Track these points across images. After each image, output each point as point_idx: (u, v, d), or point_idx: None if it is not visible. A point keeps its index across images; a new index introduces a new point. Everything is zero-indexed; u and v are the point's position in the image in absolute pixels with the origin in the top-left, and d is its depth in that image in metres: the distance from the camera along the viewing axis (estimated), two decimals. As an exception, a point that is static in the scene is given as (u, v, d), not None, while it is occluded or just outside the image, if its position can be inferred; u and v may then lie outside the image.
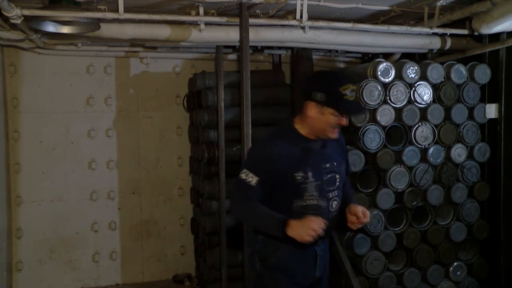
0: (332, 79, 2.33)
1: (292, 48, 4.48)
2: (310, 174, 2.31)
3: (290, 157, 2.30)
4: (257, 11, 3.81)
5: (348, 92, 2.24)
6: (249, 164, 2.35)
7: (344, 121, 2.30)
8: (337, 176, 2.41)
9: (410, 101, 3.80)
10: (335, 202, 2.40)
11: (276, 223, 2.21)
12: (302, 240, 2.13)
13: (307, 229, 2.11)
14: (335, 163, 2.41)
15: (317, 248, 2.42)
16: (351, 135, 3.75)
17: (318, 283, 2.50)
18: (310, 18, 3.67)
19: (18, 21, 3.19)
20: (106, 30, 3.63)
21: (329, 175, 2.37)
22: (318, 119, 2.29)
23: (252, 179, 2.28)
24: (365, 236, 3.73)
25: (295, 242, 2.23)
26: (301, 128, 2.36)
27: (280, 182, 2.30)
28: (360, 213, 2.33)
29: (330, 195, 2.38)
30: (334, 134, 2.35)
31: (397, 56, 4.62)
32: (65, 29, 3.48)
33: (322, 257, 2.47)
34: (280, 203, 2.31)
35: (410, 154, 3.80)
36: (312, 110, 2.28)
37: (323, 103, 2.25)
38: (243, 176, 2.30)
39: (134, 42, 4.39)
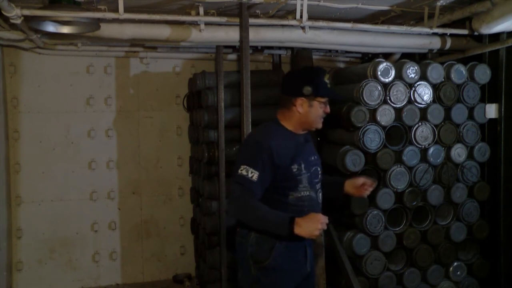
0: (314, 73, 2.51)
1: (292, 48, 4.48)
2: (303, 166, 2.41)
3: (285, 150, 2.37)
4: (257, 11, 3.81)
5: (328, 80, 2.49)
6: (248, 159, 2.32)
7: (328, 109, 2.49)
8: (319, 169, 2.57)
9: (410, 101, 3.80)
10: (321, 194, 2.55)
11: (281, 223, 2.21)
12: (311, 236, 2.19)
13: (316, 223, 2.17)
14: (315, 157, 2.57)
15: (306, 243, 2.47)
16: (351, 135, 3.76)
17: (308, 278, 2.57)
18: (310, 18, 3.67)
19: (18, 21, 3.19)
20: (106, 30, 3.64)
21: (313, 167, 2.50)
22: (309, 112, 2.44)
23: (254, 174, 2.27)
24: (365, 236, 3.73)
25: (288, 240, 2.32)
26: (288, 124, 2.48)
27: (278, 174, 2.35)
28: (363, 183, 2.57)
29: (317, 186, 2.51)
30: (321, 124, 2.51)
31: (397, 56, 4.62)
32: (65, 29, 3.48)
33: (311, 251, 2.55)
34: (276, 195, 2.36)
35: (410, 154, 3.79)
36: (303, 105, 2.43)
37: (312, 96, 2.42)
38: (243, 172, 2.27)
39: (134, 42, 4.39)
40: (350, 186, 2.64)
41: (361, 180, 2.60)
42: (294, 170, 2.37)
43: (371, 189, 2.59)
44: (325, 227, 2.21)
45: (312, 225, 2.16)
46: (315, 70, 2.57)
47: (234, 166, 2.36)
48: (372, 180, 2.61)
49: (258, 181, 2.27)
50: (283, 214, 2.26)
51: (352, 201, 3.63)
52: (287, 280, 2.43)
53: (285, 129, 2.47)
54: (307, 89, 2.40)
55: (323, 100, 2.45)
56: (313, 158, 2.52)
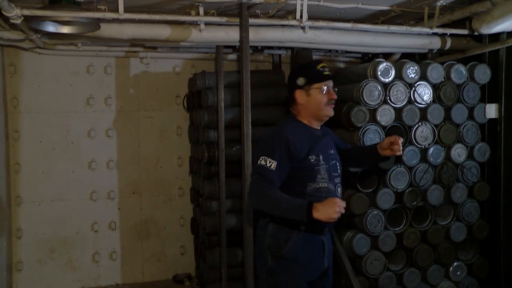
0: (307, 64, 2.68)
1: (292, 48, 4.47)
2: (321, 157, 2.47)
3: (303, 141, 2.46)
4: (257, 11, 3.81)
5: (323, 67, 2.54)
6: (266, 150, 2.42)
7: (334, 94, 2.52)
8: (338, 164, 2.61)
9: (410, 101, 3.80)
10: (339, 188, 2.59)
11: (300, 208, 2.27)
12: (329, 219, 2.22)
13: (334, 207, 2.21)
14: (334, 151, 2.61)
15: (323, 237, 2.52)
16: (351, 135, 3.75)
17: (325, 274, 2.58)
18: (310, 18, 3.68)
19: (18, 21, 3.19)
20: (106, 30, 3.64)
21: (333, 161, 2.56)
22: (309, 102, 2.51)
23: (272, 163, 2.36)
24: (365, 236, 3.73)
25: (304, 230, 2.41)
26: (304, 120, 2.56)
27: (297, 165, 2.42)
28: (390, 141, 2.66)
29: (336, 180, 2.55)
30: (332, 111, 2.56)
31: (397, 56, 4.62)
32: (65, 29, 3.48)
33: (328, 247, 2.57)
34: (295, 187, 2.42)
35: (410, 154, 3.79)
36: (301, 96, 2.52)
37: (306, 85, 2.50)
38: (262, 162, 2.38)
39: (134, 42, 4.39)
40: (380, 149, 2.73)
41: (386, 141, 2.70)
42: (312, 160, 2.44)
43: (399, 144, 2.65)
44: (343, 211, 2.25)
45: (330, 209, 2.21)
46: (307, 62, 2.70)
47: (253, 159, 2.51)
48: (396, 136, 2.68)
49: (276, 170, 2.36)
50: (301, 200, 2.32)
51: (352, 201, 3.63)
52: (302, 272, 2.46)
53: (300, 122, 2.56)
54: (301, 80, 2.52)
55: (319, 86, 2.50)
56: (332, 152, 2.59)
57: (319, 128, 2.61)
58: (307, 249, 2.46)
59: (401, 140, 2.67)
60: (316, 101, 2.51)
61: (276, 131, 2.52)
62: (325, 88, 2.50)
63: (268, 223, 2.50)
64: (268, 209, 2.44)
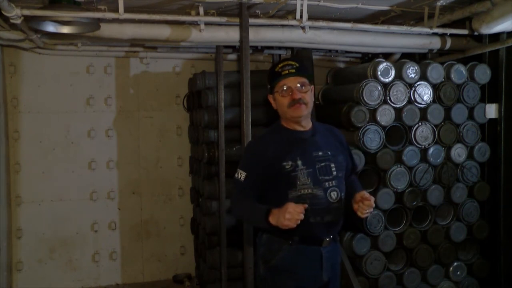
0: (270, 67, 2.51)
1: (292, 48, 4.47)
2: (299, 162, 2.32)
3: (277, 148, 2.35)
4: (257, 11, 3.81)
5: (282, 67, 2.35)
6: (241, 163, 2.43)
7: (296, 93, 2.32)
8: (332, 165, 2.38)
9: (410, 101, 3.80)
10: (334, 192, 2.35)
11: (261, 214, 2.22)
12: (282, 226, 2.12)
13: (284, 213, 2.10)
14: (328, 152, 2.40)
15: (322, 249, 2.37)
16: (351, 135, 3.76)
17: None
18: (310, 18, 3.67)
19: (18, 21, 3.19)
20: (106, 30, 3.64)
21: (322, 164, 2.36)
22: (278, 106, 2.42)
23: (242, 175, 2.36)
24: (365, 236, 3.73)
25: (298, 242, 2.32)
26: (285, 123, 2.45)
27: (273, 173, 2.33)
28: (361, 196, 2.27)
29: (327, 184, 2.34)
30: (298, 111, 2.34)
31: (397, 56, 4.62)
32: (65, 29, 3.48)
33: (329, 259, 2.40)
34: (277, 196, 2.32)
35: (410, 154, 3.80)
36: (272, 102, 2.46)
37: (270, 89, 2.42)
38: (236, 175, 2.39)
39: (134, 42, 4.39)
40: (354, 198, 2.35)
41: (358, 195, 2.30)
42: (287, 167, 2.31)
43: (365, 207, 2.25)
44: (298, 217, 2.09)
45: (280, 215, 2.11)
46: (273, 65, 2.56)
47: None
48: (368, 195, 2.29)
49: (246, 181, 2.34)
50: (263, 206, 2.24)
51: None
52: (293, 284, 2.37)
53: (283, 128, 2.44)
54: (267, 86, 2.45)
55: (278, 89, 2.34)
56: (320, 153, 2.37)
57: (306, 129, 2.41)
58: (301, 260, 2.36)
59: (372, 203, 2.26)
60: (280, 105, 2.37)
61: (251, 141, 2.54)
62: (284, 88, 2.32)
63: (263, 233, 2.45)
64: (243, 218, 2.50)
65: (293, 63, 2.36)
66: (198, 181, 4.57)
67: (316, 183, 2.32)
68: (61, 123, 4.71)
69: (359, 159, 3.69)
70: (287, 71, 2.33)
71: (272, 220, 2.16)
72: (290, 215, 2.09)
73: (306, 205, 2.17)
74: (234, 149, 4.16)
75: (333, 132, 2.55)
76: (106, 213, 4.87)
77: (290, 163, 2.31)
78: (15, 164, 4.61)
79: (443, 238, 3.95)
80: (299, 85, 2.33)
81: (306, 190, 2.30)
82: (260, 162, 2.34)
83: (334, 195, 2.35)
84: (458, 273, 4.02)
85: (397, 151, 3.80)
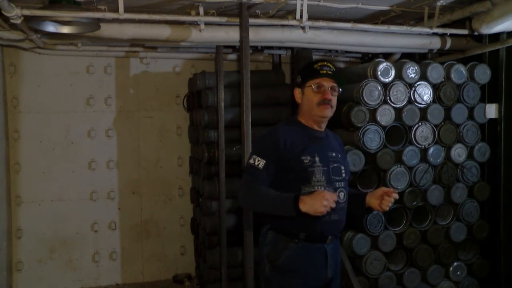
0: (307, 63, 2.55)
1: (292, 48, 4.48)
2: (317, 159, 2.36)
3: (297, 142, 2.37)
4: (257, 11, 3.81)
5: (321, 66, 2.39)
6: (257, 150, 2.40)
7: (328, 94, 2.37)
8: (342, 167, 2.46)
9: (410, 101, 3.80)
10: (342, 193, 2.41)
11: (287, 201, 2.19)
12: (316, 212, 2.12)
13: (321, 199, 2.10)
14: (339, 155, 2.49)
15: (326, 246, 2.40)
16: (351, 135, 3.75)
17: (329, 284, 2.46)
18: (310, 18, 3.67)
19: (18, 21, 3.19)
20: (106, 30, 3.64)
21: (335, 164, 2.43)
22: (304, 101, 2.43)
23: (260, 162, 2.32)
24: (365, 236, 3.73)
25: (304, 240, 2.33)
26: (303, 120, 2.47)
27: (289, 166, 2.33)
28: (384, 191, 2.38)
29: (337, 184, 2.40)
30: (325, 112, 2.40)
31: (397, 56, 4.62)
32: (65, 29, 3.48)
33: (333, 256, 2.44)
34: (289, 189, 2.30)
35: (410, 154, 3.80)
36: (297, 95, 2.47)
37: (301, 83, 2.43)
38: (251, 161, 2.35)
39: (134, 42, 4.39)
40: (371, 197, 2.45)
41: (380, 190, 2.42)
42: (306, 161, 2.33)
43: (391, 199, 2.35)
44: (332, 205, 2.13)
45: (316, 202, 2.11)
46: (310, 61, 2.58)
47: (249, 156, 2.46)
48: (392, 190, 2.41)
49: (264, 169, 2.31)
50: (287, 194, 2.23)
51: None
52: (299, 283, 2.38)
53: (299, 122, 2.47)
54: (298, 78, 2.47)
55: (312, 84, 2.38)
56: (334, 154, 2.44)
57: (321, 130, 2.48)
58: (306, 259, 2.38)
59: (397, 195, 2.38)
60: (308, 100, 2.41)
61: (269, 131, 2.47)
62: (317, 85, 2.37)
63: (268, 231, 2.45)
64: (257, 207, 2.40)
65: (330, 65, 2.44)
66: (198, 181, 4.57)
67: (329, 182, 2.37)
68: (61, 123, 4.72)
69: (359, 159, 3.69)
70: (325, 71, 2.39)
71: (304, 207, 2.14)
72: (328, 202, 2.11)
73: (337, 193, 2.23)
74: (234, 149, 4.17)
75: (338, 140, 2.63)
76: (106, 213, 4.88)
77: (308, 158, 2.34)
78: (15, 164, 4.61)
79: (443, 238, 3.95)
80: (331, 87, 2.40)
81: (319, 187, 2.32)
82: (281, 152, 2.33)
83: (342, 195, 2.41)
84: (458, 273, 4.02)
85: (397, 151, 3.80)
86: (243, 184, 2.40)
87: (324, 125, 2.49)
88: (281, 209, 2.24)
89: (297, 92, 2.47)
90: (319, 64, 2.42)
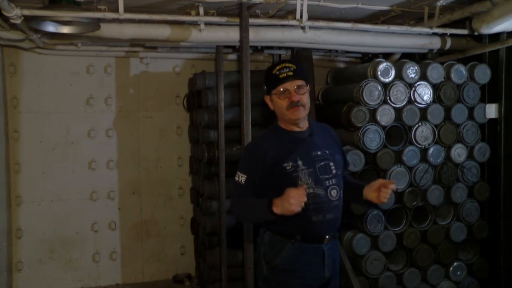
0: (267, 70, 2.48)
1: (292, 48, 4.47)
2: (300, 162, 2.35)
3: (277, 150, 2.37)
4: (257, 11, 3.81)
5: (279, 70, 2.36)
6: (241, 166, 2.43)
7: (294, 96, 2.34)
8: (332, 164, 2.43)
9: (410, 101, 3.81)
10: (334, 190, 2.40)
11: (263, 207, 2.23)
12: (289, 211, 2.14)
13: (287, 198, 2.13)
14: (327, 151, 2.44)
15: (323, 246, 2.40)
16: (351, 135, 3.76)
17: (327, 284, 2.47)
18: (310, 18, 3.68)
19: (18, 21, 3.20)
20: (106, 30, 3.64)
21: (322, 163, 2.40)
22: (276, 108, 2.44)
23: (242, 178, 2.36)
24: (365, 236, 3.74)
25: (300, 241, 2.33)
26: (282, 124, 2.47)
27: (274, 174, 2.34)
28: (381, 183, 2.40)
29: (327, 183, 2.38)
30: (297, 114, 2.37)
31: (397, 56, 4.62)
32: (65, 29, 3.48)
33: (330, 256, 2.44)
34: (278, 197, 2.27)
35: (410, 154, 3.80)
36: (269, 103, 2.47)
37: (267, 92, 2.43)
38: (236, 178, 2.40)
39: (134, 42, 4.39)
40: (368, 190, 2.47)
41: (377, 182, 2.43)
42: (288, 167, 2.33)
43: (388, 190, 2.37)
44: (302, 199, 2.12)
45: (284, 202, 2.14)
46: (269, 67, 2.51)
47: None
48: (389, 180, 2.45)
49: (246, 183, 2.35)
50: (263, 199, 2.26)
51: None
52: (296, 283, 2.38)
53: (281, 129, 2.46)
54: (264, 88, 2.48)
55: (276, 92, 2.36)
56: (319, 153, 2.40)
57: (303, 129, 2.44)
58: (303, 259, 2.38)
59: (394, 186, 2.40)
60: (278, 107, 2.40)
61: (250, 144, 2.52)
62: (282, 90, 2.34)
63: (265, 232, 2.46)
64: (246, 218, 2.48)
65: (290, 65, 2.38)
66: (198, 181, 4.57)
67: (317, 182, 2.36)
68: (61, 123, 4.71)
69: (359, 159, 3.69)
70: (284, 74, 2.34)
71: (277, 209, 2.17)
72: (294, 199, 2.12)
73: (305, 186, 2.23)
74: (234, 149, 4.16)
75: (327, 131, 2.60)
76: (106, 213, 4.87)
77: (290, 163, 2.33)
78: (15, 164, 4.61)
79: (443, 238, 3.95)
80: (296, 88, 2.36)
81: (308, 190, 2.30)
82: (260, 164, 2.35)
83: (334, 193, 2.40)
84: (458, 273, 4.02)
85: (397, 151, 3.80)
86: (231, 200, 2.51)
87: (304, 124, 2.45)
88: (262, 215, 2.28)
89: (267, 100, 2.47)
90: (277, 68, 2.38)
